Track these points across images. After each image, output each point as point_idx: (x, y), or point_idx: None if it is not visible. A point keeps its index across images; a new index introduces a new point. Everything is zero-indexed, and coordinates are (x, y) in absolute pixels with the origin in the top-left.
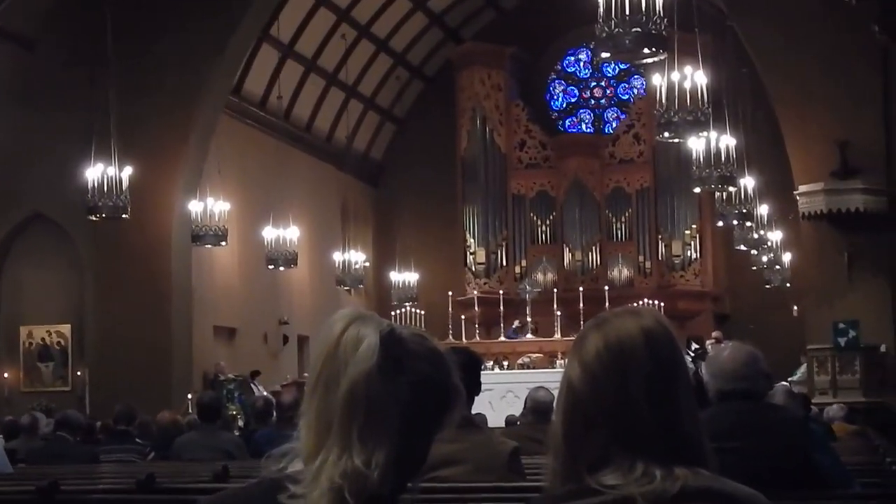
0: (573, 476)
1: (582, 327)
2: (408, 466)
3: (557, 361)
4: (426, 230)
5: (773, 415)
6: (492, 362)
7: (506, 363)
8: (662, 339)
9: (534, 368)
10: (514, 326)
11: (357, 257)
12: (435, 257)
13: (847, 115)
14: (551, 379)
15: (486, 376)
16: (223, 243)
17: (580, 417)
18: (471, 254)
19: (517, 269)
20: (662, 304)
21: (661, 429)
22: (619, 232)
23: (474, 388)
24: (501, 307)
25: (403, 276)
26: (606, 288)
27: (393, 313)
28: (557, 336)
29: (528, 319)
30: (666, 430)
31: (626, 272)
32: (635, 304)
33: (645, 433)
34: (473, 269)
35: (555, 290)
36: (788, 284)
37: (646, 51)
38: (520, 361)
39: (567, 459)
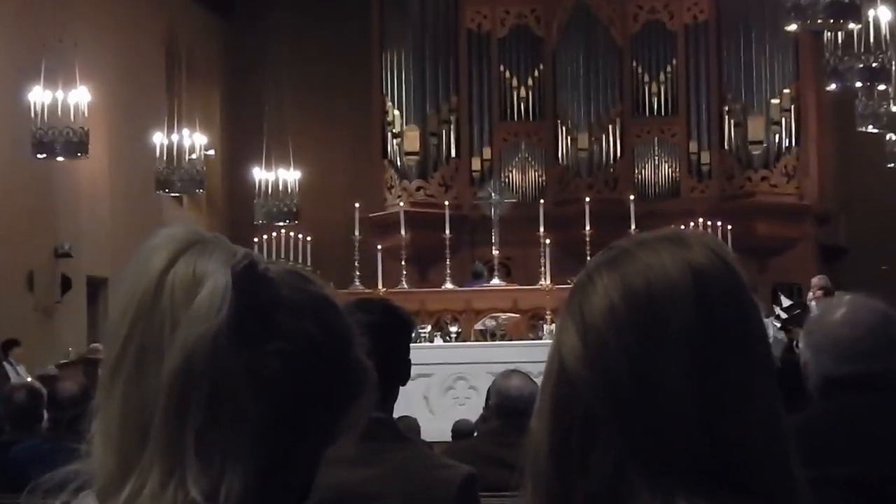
0: None
1: (587, 265)
2: (281, 499)
3: (545, 326)
4: (316, 94)
5: None
6: (430, 326)
7: (455, 329)
8: (724, 287)
9: (503, 338)
10: (475, 270)
11: (194, 140)
12: (331, 143)
13: None
14: (532, 357)
15: (418, 351)
16: None
17: (579, 421)
18: (394, 136)
19: (475, 165)
20: (730, 226)
21: (717, 440)
22: (656, 100)
23: (399, 369)
24: (447, 231)
25: (275, 175)
26: (632, 198)
27: (256, 239)
28: (544, 282)
29: (495, 252)
30: (725, 443)
31: (666, 170)
32: (680, 227)
33: (689, 447)
34: (399, 163)
35: (541, 201)
36: None
37: None
38: (479, 326)
39: (557, 491)
